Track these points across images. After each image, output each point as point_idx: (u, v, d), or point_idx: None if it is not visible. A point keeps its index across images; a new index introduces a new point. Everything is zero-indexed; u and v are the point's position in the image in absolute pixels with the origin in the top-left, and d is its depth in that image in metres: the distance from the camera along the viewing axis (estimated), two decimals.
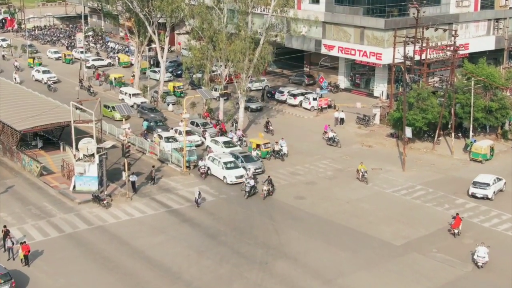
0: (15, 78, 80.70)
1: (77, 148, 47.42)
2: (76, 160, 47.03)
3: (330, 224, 43.05)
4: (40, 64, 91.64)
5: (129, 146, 46.62)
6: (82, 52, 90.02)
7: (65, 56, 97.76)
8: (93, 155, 46.72)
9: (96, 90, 78.45)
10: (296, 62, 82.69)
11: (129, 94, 72.79)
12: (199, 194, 45.42)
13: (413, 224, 43.09)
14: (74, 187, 47.35)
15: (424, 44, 62.33)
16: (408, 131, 54.22)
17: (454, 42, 58.51)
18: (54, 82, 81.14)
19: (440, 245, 40.22)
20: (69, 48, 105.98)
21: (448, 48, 60.29)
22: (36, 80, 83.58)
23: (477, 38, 78.35)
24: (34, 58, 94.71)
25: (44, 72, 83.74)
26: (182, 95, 74.34)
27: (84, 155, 47.09)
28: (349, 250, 39.32)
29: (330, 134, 59.26)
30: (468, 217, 44.29)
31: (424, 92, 57.36)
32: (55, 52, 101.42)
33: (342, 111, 67.30)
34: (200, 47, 63.40)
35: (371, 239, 40.90)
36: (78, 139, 48.00)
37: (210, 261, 37.76)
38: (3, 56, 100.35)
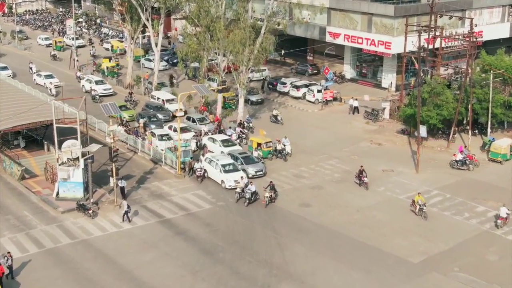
0: (50, 90, 68.07)
1: (60, 148, 43.14)
2: (59, 164, 42.75)
3: (339, 237, 38.88)
4: (117, 66, 77.88)
5: (117, 149, 42.35)
6: (73, 39, 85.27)
7: (56, 43, 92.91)
8: (77, 159, 42.45)
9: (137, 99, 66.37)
10: (299, 51, 78.19)
11: (163, 100, 62.98)
12: (128, 207, 40.27)
13: (430, 237, 38.93)
14: (58, 193, 43.15)
15: (438, 33, 57.55)
16: (423, 130, 49.82)
17: (472, 32, 53.81)
18: (110, 95, 68.39)
19: (462, 262, 36.11)
20: (61, 34, 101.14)
21: (466, 37, 55.50)
22: (87, 91, 68.59)
23: (491, 25, 73.65)
24: (110, 58, 78.99)
25: (97, 82, 69.52)
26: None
27: (68, 158, 42.81)
28: (361, 270, 35.18)
29: (459, 156, 49.45)
30: (490, 228, 40.18)
31: (439, 86, 52.90)
32: (46, 39, 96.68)
33: (356, 99, 63.00)
34: (196, 35, 58.77)
35: (385, 255, 36.75)
36: (66, 138, 43.70)
37: (206, 284, 33.61)
38: (54, 56, 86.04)
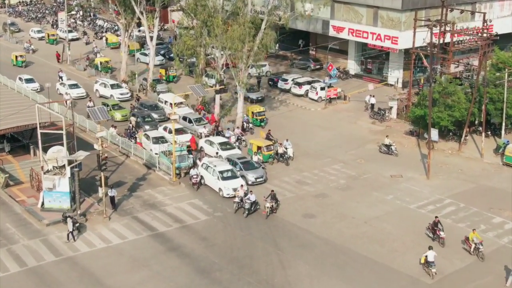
0: (66, 101, 56.04)
1: (45, 153, 40.16)
2: (44, 173, 39.69)
3: (346, 253, 35.86)
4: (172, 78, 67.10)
5: (106, 157, 39.27)
6: (65, 31, 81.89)
7: (48, 36, 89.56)
8: (64, 166, 39.38)
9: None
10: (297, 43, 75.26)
11: (170, 103, 55.06)
12: (74, 225, 36.43)
13: (445, 253, 35.87)
14: (43, 203, 40.12)
15: (449, 28, 54.25)
16: (434, 134, 46.65)
17: (487, 27, 50.57)
18: (127, 100, 62.49)
19: (480, 282, 33.19)
20: (54, 26, 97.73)
21: (479, 32, 52.26)
22: (101, 96, 63.42)
23: (501, 19, 70.28)
24: (166, 69, 67.70)
25: (113, 86, 63.63)
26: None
27: (53, 166, 39.75)
28: None
29: None
30: (510, 242, 37.18)
31: (451, 85, 49.76)
32: (38, 31, 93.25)
33: (373, 96, 59.83)
34: (193, 28, 55.46)
35: (397, 275, 33.75)
36: (52, 144, 40.67)
37: None
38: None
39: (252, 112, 55.82)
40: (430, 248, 33.59)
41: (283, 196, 42.50)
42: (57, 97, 60.97)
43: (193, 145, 50.15)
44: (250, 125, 54.73)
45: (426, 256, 33.49)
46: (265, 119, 56.07)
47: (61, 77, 68.27)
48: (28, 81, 66.24)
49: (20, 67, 75.19)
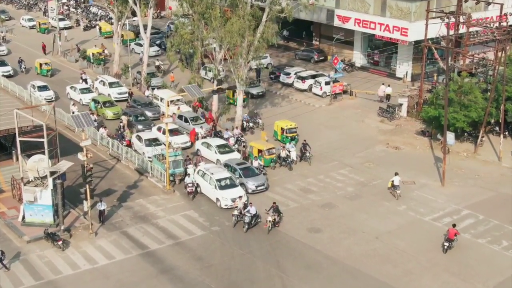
0: (73, 112, 51.92)
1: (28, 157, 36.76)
2: (25, 184, 36.19)
3: (356, 276, 32.44)
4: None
5: (91, 168, 35.73)
6: (55, 20, 77.89)
7: (39, 24, 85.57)
8: (46, 177, 35.87)
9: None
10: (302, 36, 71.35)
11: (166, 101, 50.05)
12: (2, 254, 32.56)
13: (465, 275, 32.51)
14: (24, 217, 36.65)
15: (463, 20, 50.41)
16: (451, 138, 42.90)
17: (507, 20, 46.74)
18: (126, 100, 57.67)
19: None
20: (47, 14, 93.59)
21: (495, 23, 48.49)
22: (100, 94, 58.81)
23: None
24: (234, 91, 53.99)
25: (111, 84, 58.94)
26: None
27: (35, 177, 36.25)
28: None
29: None
30: None
31: (467, 84, 46.07)
32: (29, 20, 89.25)
33: (389, 85, 56.88)
34: (189, 17, 51.69)
35: None
36: (34, 152, 37.26)
37: None
38: (158, 67, 66.16)
39: (282, 128, 48.46)
40: (396, 174, 40.14)
41: (286, 207, 39.08)
42: (67, 103, 55.85)
43: (192, 138, 47.29)
44: (251, 124, 51.16)
45: (393, 181, 39.88)
46: (296, 136, 48.72)
47: (85, 80, 61.50)
48: (42, 88, 58.10)
49: (45, 76, 65.45)
